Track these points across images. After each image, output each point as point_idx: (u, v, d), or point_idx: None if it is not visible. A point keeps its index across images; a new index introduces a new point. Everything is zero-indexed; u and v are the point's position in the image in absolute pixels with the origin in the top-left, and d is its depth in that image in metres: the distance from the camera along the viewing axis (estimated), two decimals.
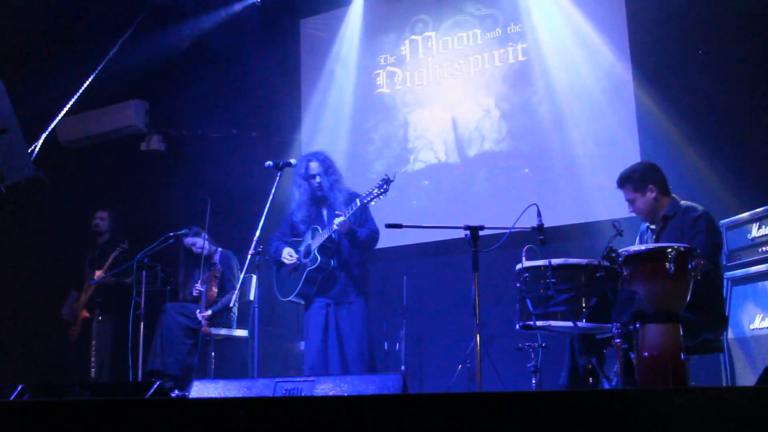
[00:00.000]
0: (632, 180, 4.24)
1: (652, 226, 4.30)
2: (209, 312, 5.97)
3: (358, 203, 4.82)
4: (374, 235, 5.11)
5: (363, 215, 5.05)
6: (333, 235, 4.90)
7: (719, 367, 4.20)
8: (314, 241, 4.99)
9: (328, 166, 5.14)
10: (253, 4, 7.58)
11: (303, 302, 5.11)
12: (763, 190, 4.95)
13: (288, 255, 5.06)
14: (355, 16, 7.42)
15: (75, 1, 7.30)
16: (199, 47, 7.63)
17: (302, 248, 5.07)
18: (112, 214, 7.04)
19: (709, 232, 4.02)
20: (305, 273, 4.97)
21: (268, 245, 5.22)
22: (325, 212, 5.10)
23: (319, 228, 5.01)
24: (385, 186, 4.73)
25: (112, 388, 4.60)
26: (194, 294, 6.18)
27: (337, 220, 4.80)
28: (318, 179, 5.08)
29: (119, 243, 6.67)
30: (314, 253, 4.94)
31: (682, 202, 4.23)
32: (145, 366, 5.90)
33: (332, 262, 4.98)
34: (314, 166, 5.11)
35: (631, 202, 4.27)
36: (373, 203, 4.82)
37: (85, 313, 6.55)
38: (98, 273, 6.48)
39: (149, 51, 7.46)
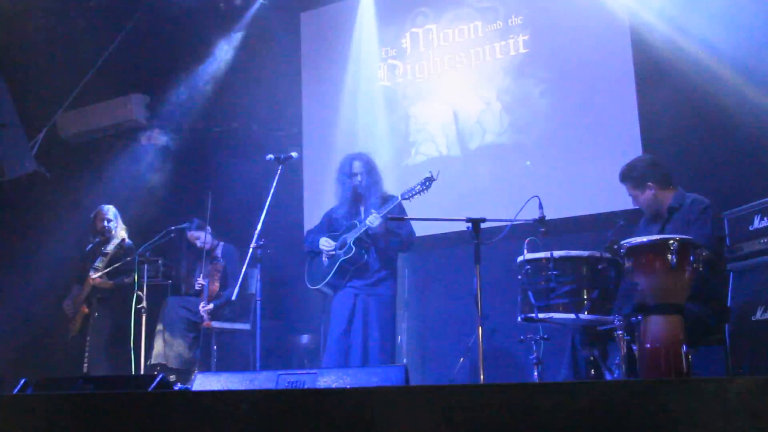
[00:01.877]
0: (631, 178, 4.30)
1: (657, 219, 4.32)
2: (211, 306, 5.98)
3: (399, 198, 4.96)
4: (410, 237, 5.29)
5: (400, 215, 5.13)
6: (369, 230, 5.04)
7: (721, 358, 4.20)
8: (350, 234, 5.14)
9: (370, 167, 5.30)
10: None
11: (332, 292, 5.25)
12: (765, 182, 4.94)
13: (326, 242, 5.23)
14: (355, 9, 7.40)
15: None
16: (200, 41, 7.63)
17: (339, 240, 5.21)
18: (114, 212, 6.85)
19: (713, 223, 4.06)
20: (338, 263, 5.12)
21: (304, 239, 5.49)
22: (362, 209, 5.25)
23: (357, 222, 5.16)
24: (427, 183, 4.88)
25: (115, 382, 4.61)
26: (196, 288, 6.19)
27: (370, 218, 4.97)
28: (359, 178, 5.24)
29: (121, 243, 6.50)
30: (349, 245, 5.10)
31: (688, 194, 4.25)
32: (148, 360, 5.91)
33: (365, 255, 5.13)
34: (357, 165, 5.28)
35: (633, 197, 4.32)
36: (412, 200, 4.95)
37: (85, 309, 6.51)
38: (93, 275, 6.33)
39: (150, 45, 7.47)
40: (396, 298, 5.31)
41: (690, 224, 4.08)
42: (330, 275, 5.15)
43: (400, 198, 4.98)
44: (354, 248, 5.08)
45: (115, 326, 6.37)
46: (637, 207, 4.48)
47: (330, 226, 5.41)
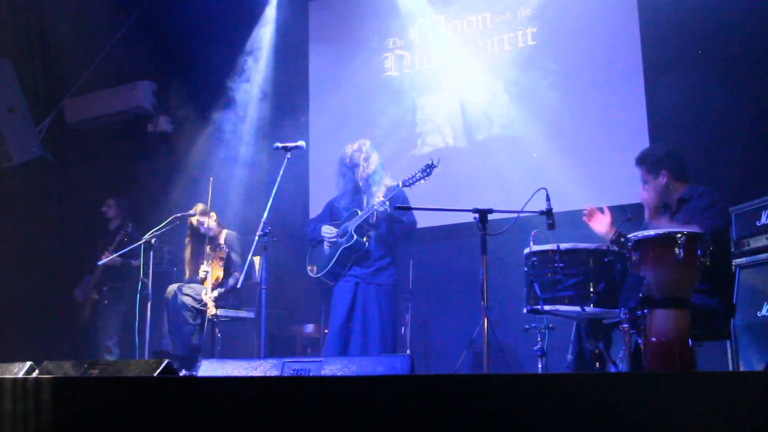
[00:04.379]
0: (647, 162, 4.19)
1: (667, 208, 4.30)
2: (215, 293, 5.98)
3: (400, 185, 4.99)
4: (412, 225, 5.29)
5: (403, 203, 5.15)
6: (370, 218, 5.08)
7: (726, 353, 4.19)
8: (351, 222, 5.17)
9: (371, 156, 5.32)
10: None
11: (332, 282, 5.27)
12: None
13: (328, 229, 5.26)
14: None
15: None
16: (207, 28, 7.61)
17: (340, 229, 5.24)
18: (118, 201, 7.02)
19: (721, 216, 4.01)
20: (339, 251, 5.15)
21: (306, 228, 5.51)
22: (365, 198, 5.27)
23: (358, 210, 5.19)
24: (428, 170, 4.90)
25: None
26: (200, 275, 6.19)
27: (375, 199, 5.00)
28: (361, 168, 5.27)
29: (124, 227, 6.68)
30: (350, 233, 5.13)
31: (699, 187, 4.20)
32: (152, 346, 5.92)
33: (367, 242, 5.15)
34: (358, 155, 5.31)
35: (643, 182, 4.22)
36: (413, 187, 4.97)
37: (95, 295, 6.56)
38: (105, 255, 6.48)
39: (157, 32, 7.46)
40: (397, 287, 5.33)
41: (698, 215, 4.04)
42: (331, 263, 5.17)
43: (401, 185, 5.01)
44: (355, 236, 5.11)
45: (125, 313, 6.44)
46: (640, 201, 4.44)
47: (332, 215, 5.44)
